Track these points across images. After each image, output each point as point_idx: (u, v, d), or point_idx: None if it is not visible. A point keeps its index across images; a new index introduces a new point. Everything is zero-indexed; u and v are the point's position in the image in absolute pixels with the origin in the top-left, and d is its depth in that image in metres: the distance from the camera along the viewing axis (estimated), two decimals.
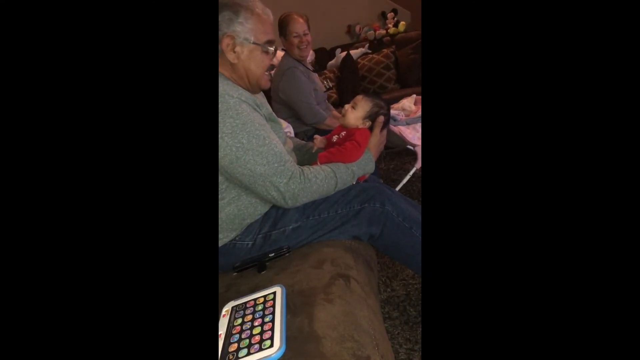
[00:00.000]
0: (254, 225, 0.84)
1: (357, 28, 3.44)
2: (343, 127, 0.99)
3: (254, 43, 0.82)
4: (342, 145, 0.91)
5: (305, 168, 0.82)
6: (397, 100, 1.98)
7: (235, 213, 0.81)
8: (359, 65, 2.88)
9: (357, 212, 0.84)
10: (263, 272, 0.75)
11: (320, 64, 3.14)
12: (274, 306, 0.58)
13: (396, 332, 1.04)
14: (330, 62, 3.10)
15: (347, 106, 0.98)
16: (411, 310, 1.12)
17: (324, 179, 0.82)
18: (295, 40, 1.73)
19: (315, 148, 1.03)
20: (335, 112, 1.92)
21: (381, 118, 0.96)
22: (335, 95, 2.83)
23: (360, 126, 0.96)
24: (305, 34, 1.74)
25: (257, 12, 0.82)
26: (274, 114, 0.93)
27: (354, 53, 2.97)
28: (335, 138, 0.98)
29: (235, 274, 0.79)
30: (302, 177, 0.79)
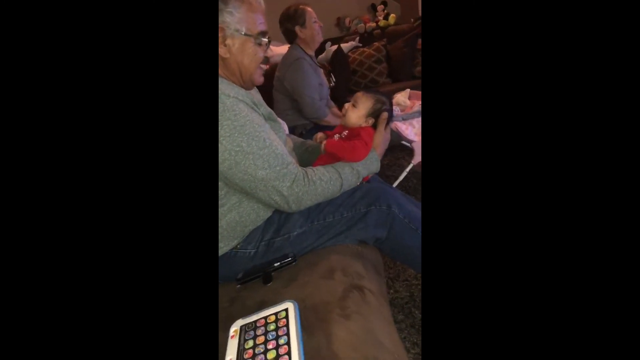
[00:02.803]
0: (256, 232, 0.80)
1: (347, 21, 3.39)
2: (344, 126, 0.94)
3: (245, 34, 0.74)
4: (351, 142, 0.86)
5: (309, 169, 0.78)
6: (389, 94, 1.95)
7: (236, 220, 0.76)
8: (349, 59, 2.83)
9: (363, 214, 0.81)
10: (269, 284, 0.70)
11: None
12: (287, 325, 0.53)
13: (402, 336, 1.01)
14: (320, 56, 3.03)
15: (347, 105, 0.93)
16: (416, 312, 1.09)
17: (329, 180, 0.78)
18: (316, 26, 1.71)
19: (317, 142, 0.99)
20: (335, 109, 1.88)
21: (384, 114, 0.91)
22: None
23: (363, 125, 0.91)
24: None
25: (247, 0, 0.74)
26: (273, 113, 0.87)
27: (345, 47, 2.92)
28: (336, 137, 0.93)
29: (239, 286, 0.74)
30: (306, 180, 0.75)
